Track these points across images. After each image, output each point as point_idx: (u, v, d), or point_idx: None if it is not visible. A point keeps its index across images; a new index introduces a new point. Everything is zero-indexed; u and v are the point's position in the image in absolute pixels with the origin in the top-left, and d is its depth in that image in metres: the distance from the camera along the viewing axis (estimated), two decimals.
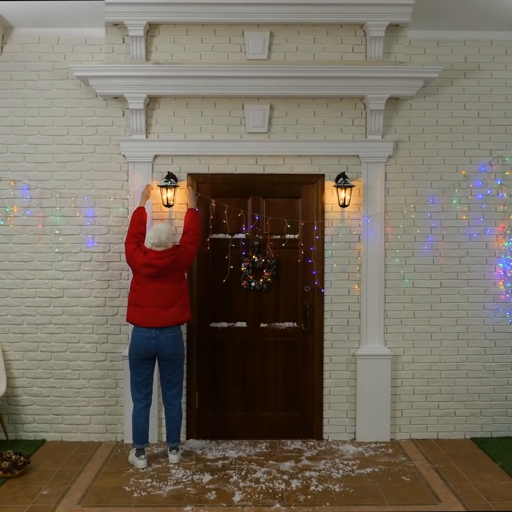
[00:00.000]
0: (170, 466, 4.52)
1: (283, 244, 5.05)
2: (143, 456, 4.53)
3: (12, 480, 4.26)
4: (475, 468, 4.50)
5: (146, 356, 4.48)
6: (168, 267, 4.43)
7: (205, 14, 4.77)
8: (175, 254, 4.47)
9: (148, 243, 4.48)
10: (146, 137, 4.99)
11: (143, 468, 4.47)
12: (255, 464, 4.56)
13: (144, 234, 4.60)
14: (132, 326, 4.57)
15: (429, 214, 5.09)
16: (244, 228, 5.06)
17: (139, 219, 4.68)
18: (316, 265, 5.03)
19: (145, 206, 4.81)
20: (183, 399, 5.04)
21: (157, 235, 4.44)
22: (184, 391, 5.04)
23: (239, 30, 4.88)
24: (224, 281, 5.02)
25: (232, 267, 5.02)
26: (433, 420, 5.15)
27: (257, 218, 5.04)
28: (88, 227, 5.03)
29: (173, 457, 4.60)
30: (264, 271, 5.01)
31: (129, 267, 4.69)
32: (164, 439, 5.02)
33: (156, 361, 4.58)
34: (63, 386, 5.08)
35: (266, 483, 4.21)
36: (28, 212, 5.02)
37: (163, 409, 4.74)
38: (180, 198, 4.99)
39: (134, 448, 4.57)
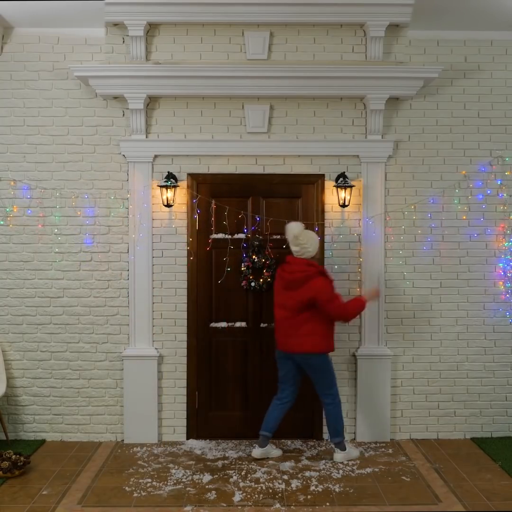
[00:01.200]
0: (170, 466, 4.52)
1: (284, 245, 5.05)
2: (258, 446, 4.63)
3: (12, 480, 4.26)
4: (475, 468, 4.50)
5: (284, 356, 4.55)
6: (294, 284, 4.37)
7: (205, 14, 4.77)
8: (306, 274, 4.35)
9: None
10: (146, 137, 4.99)
11: (257, 457, 4.61)
12: (255, 464, 4.56)
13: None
14: None
15: (429, 214, 5.09)
16: (244, 229, 5.05)
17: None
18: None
19: None
20: (183, 399, 5.06)
21: (288, 232, 4.52)
22: (184, 391, 5.06)
23: (239, 30, 4.88)
24: (219, 282, 5.03)
25: (229, 269, 5.02)
26: (433, 420, 5.15)
27: (258, 219, 5.03)
28: (88, 227, 5.03)
29: (336, 456, 4.60)
30: (264, 271, 5.00)
31: None
32: (164, 439, 5.04)
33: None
34: (63, 386, 5.08)
35: (266, 483, 4.21)
36: (28, 212, 5.02)
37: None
38: (180, 198, 4.99)
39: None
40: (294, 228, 4.53)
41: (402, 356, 5.13)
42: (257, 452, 4.63)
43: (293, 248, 4.51)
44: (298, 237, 4.47)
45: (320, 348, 4.43)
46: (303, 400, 5.11)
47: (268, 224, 5.04)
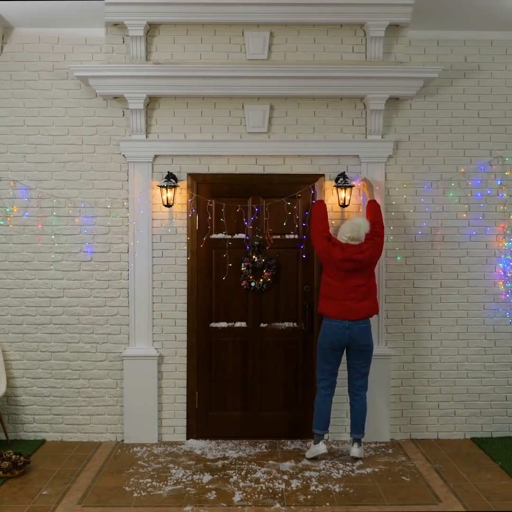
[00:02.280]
0: (170, 466, 4.52)
1: (283, 244, 5.05)
2: (322, 442, 4.61)
3: (12, 480, 4.26)
4: (475, 468, 4.50)
5: (339, 346, 4.59)
6: (367, 261, 4.53)
7: (205, 14, 4.77)
8: (371, 248, 4.55)
9: (343, 237, 4.57)
10: (146, 137, 4.99)
11: (324, 453, 4.58)
12: (255, 464, 4.56)
13: (328, 229, 4.71)
14: (324, 317, 4.65)
15: (429, 214, 5.09)
16: (244, 229, 5.06)
17: (322, 214, 4.75)
18: (316, 265, 5.02)
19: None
20: (183, 399, 5.05)
21: (356, 229, 4.55)
22: (184, 391, 5.06)
23: (239, 30, 4.88)
24: (223, 278, 5.03)
25: (230, 264, 5.02)
26: (433, 420, 5.15)
27: (252, 219, 5.04)
28: (88, 227, 5.03)
29: (355, 451, 4.59)
30: (264, 271, 5.00)
31: (321, 261, 4.69)
32: (164, 439, 5.04)
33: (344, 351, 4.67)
34: (63, 386, 5.08)
35: (266, 483, 4.21)
36: (28, 212, 5.02)
37: (348, 400, 4.74)
38: (180, 198, 4.99)
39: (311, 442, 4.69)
40: (363, 225, 4.60)
41: (402, 356, 5.13)
42: (324, 447, 4.61)
43: (352, 242, 4.55)
44: (365, 232, 4.58)
45: (377, 308, 4.69)
46: (303, 400, 5.11)
47: (268, 224, 5.04)
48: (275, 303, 5.11)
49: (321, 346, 4.64)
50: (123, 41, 4.90)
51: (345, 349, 4.63)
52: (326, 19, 4.83)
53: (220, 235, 5.07)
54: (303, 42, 4.92)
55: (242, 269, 5.01)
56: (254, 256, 5.00)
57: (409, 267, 5.10)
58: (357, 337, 4.54)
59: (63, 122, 5.02)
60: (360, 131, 5.04)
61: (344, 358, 4.70)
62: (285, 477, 4.33)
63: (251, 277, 5.01)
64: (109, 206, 5.02)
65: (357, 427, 4.64)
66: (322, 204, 4.80)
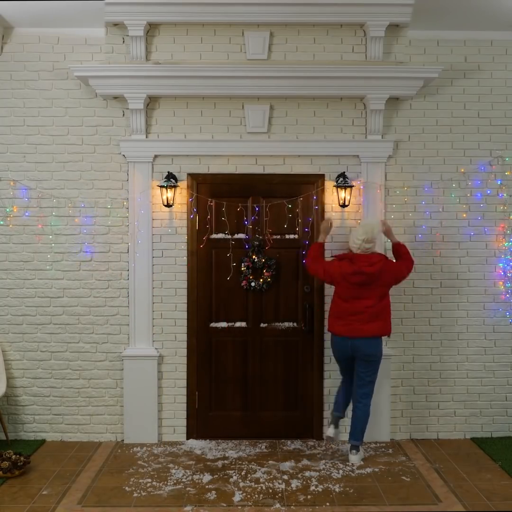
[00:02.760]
0: (170, 466, 4.52)
1: (283, 244, 5.06)
2: (333, 426, 4.72)
3: (12, 480, 4.26)
4: (475, 468, 4.50)
5: (344, 356, 4.64)
6: (376, 274, 4.45)
7: (205, 14, 4.77)
8: (382, 261, 4.49)
9: (357, 241, 4.49)
10: (146, 137, 4.99)
11: (329, 436, 4.72)
12: (255, 464, 4.56)
13: (323, 260, 4.70)
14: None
15: (429, 214, 5.10)
16: (244, 229, 5.05)
17: (317, 253, 4.71)
18: None
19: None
20: (183, 399, 5.06)
21: (370, 230, 4.49)
22: (184, 391, 5.06)
23: (239, 30, 4.88)
24: (228, 278, 5.03)
25: (234, 264, 5.02)
26: (433, 420, 5.15)
27: (252, 219, 5.04)
28: (88, 227, 5.03)
29: (353, 458, 4.58)
30: (264, 271, 5.00)
31: (332, 282, 4.62)
32: (164, 439, 5.04)
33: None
34: (63, 386, 5.08)
35: (266, 483, 4.21)
36: (28, 212, 5.02)
37: (351, 406, 4.73)
38: (180, 198, 4.99)
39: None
40: (376, 225, 4.57)
41: (402, 356, 5.13)
42: (330, 431, 4.72)
43: (366, 245, 4.49)
44: (378, 233, 4.56)
45: (389, 329, 4.63)
46: (303, 400, 5.11)
47: (268, 223, 5.04)
48: (275, 303, 5.11)
49: (333, 353, 4.78)
50: (123, 41, 4.90)
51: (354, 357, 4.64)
52: (326, 19, 4.83)
53: (220, 235, 5.06)
54: (303, 42, 4.92)
55: (242, 269, 5.01)
56: (254, 256, 5.00)
57: None
58: (359, 347, 4.51)
59: (63, 122, 5.03)
60: (360, 131, 5.04)
61: None
62: (285, 477, 4.33)
63: (251, 277, 5.01)
64: (109, 206, 5.03)
65: (356, 433, 4.61)
66: (318, 245, 4.76)
